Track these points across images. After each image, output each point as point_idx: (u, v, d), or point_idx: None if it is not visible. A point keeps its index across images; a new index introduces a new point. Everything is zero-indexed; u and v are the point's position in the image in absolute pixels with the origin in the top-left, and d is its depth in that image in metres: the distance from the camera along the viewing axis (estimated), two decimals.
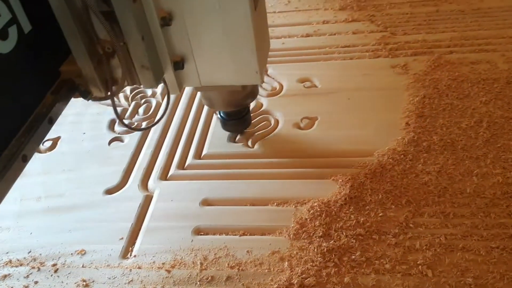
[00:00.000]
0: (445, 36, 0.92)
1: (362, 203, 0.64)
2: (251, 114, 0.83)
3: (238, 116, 0.76)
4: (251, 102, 0.75)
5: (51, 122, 0.53)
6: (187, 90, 0.92)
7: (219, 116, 0.77)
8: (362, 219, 0.62)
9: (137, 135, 0.84)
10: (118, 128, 0.86)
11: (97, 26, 0.53)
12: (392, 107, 0.79)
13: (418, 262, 0.56)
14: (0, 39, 0.47)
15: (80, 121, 0.89)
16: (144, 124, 0.86)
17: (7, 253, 0.67)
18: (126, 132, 0.85)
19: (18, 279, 0.63)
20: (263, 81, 0.59)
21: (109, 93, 0.57)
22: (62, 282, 0.62)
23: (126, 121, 0.87)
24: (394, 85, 0.84)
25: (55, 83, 0.55)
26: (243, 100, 0.72)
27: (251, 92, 0.72)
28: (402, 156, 0.70)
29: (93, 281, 0.61)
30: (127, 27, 0.52)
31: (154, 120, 0.87)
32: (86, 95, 0.56)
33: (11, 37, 0.48)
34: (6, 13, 0.47)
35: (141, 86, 0.58)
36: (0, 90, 0.48)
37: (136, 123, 0.86)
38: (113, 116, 0.89)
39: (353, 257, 0.58)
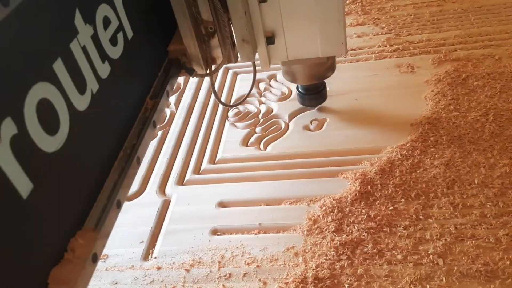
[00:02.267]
0: (449, 34, 0.94)
1: (372, 198, 0.66)
2: (263, 118, 0.86)
3: (316, 91, 0.82)
4: (331, 75, 0.79)
5: (168, 95, 0.59)
6: (200, 98, 0.95)
7: (297, 91, 0.83)
8: (373, 213, 0.64)
9: (153, 144, 0.87)
10: None
11: (202, 8, 0.59)
12: (399, 105, 0.81)
13: (429, 252, 0.58)
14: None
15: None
16: (160, 133, 0.89)
17: None
18: None
19: None
20: (347, 52, 0.66)
21: (208, 71, 0.63)
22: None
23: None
24: (400, 84, 0.86)
25: (163, 63, 0.60)
26: (324, 73, 0.77)
27: (331, 65, 0.77)
28: (410, 151, 0.71)
29: (116, 283, 0.64)
30: (233, 4, 0.59)
31: (169, 129, 0.90)
32: (191, 72, 0.62)
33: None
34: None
35: (237, 62, 0.64)
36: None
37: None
38: None
39: (365, 249, 0.60)
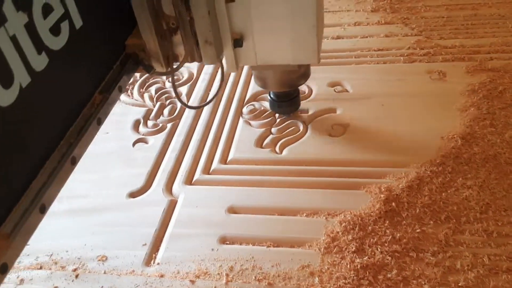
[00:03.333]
0: (485, 41, 0.88)
1: (398, 218, 0.61)
2: (280, 119, 0.81)
3: (288, 98, 0.78)
4: (303, 83, 0.76)
5: (121, 90, 0.54)
6: (213, 91, 0.90)
7: (269, 97, 0.79)
8: (398, 235, 0.59)
9: (161, 137, 0.82)
10: (142, 129, 0.84)
11: (164, 1, 0.53)
12: (428, 115, 0.75)
13: (459, 284, 0.53)
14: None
15: (105, 120, 0.87)
16: (169, 126, 0.84)
17: (28, 255, 0.66)
18: (150, 134, 0.83)
19: (38, 283, 0.62)
20: (319, 61, 0.61)
21: (169, 69, 0.58)
22: None
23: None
24: (430, 92, 0.80)
25: (120, 57, 0.55)
26: (296, 81, 0.73)
27: (305, 73, 0.73)
28: (440, 168, 0.66)
29: None
30: (196, 2, 0.53)
31: (179, 122, 0.85)
32: (149, 69, 0.57)
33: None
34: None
35: (201, 62, 0.59)
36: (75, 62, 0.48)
37: (161, 124, 0.84)
38: (138, 116, 0.87)
39: (389, 275, 0.55)
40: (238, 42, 0.59)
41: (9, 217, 0.39)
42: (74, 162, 0.47)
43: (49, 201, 0.43)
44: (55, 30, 0.44)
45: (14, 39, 0.39)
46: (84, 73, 0.50)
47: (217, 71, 0.95)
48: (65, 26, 0.46)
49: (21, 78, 0.40)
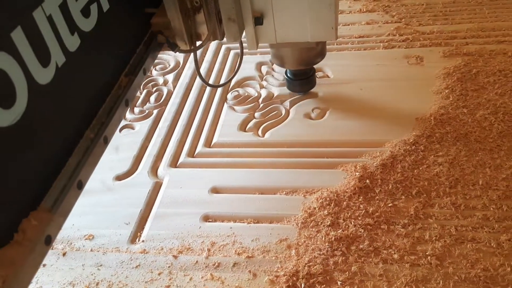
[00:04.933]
0: (462, 27, 0.91)
1: (371, 194, 0.63)
2: (263, 104, 0.84)
3: (305, 76, 0.80)
4: (320, 61, 0.77)
5: (145, 73, 0.56)
6: (198, 81, 0.92)
7: (285, 76, 0.81)
8: (371, 209, 0.61)
9: (148, 122, 0.84)
10: (129, 115, 0.87)
11: None
12: (405, 98, 0.78)
13: (427, 253, 0.56)
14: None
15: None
16: (155, 112, 0.86)
17: None
18: (137, 120, 0.85)
19: None
20: (337, 37, 0.64)
21: (192, 47, 0.61)
22: (71, 265, 0.63)
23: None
24: (407, 76, 0.83)
25: (144, 38, 0.57)
26: (314, 58, 0.75)
27: (321, 51, 0.75)
28: (414, 147, 0.68)
29: (101, 265, 0.62)
30: None
31: (165, 108, 0.87)
32: (174, 47, 0.60)
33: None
34: None
35: (223, 40, 0.61)
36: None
37: (147, 111, 0.87)
38: None
39: (361, 246, 0.58)
40: (258, 20, 0.62)
41: (49, 193, 0.41)
42: (106, 141, 0.49)
43: (85, 177, 0.45)
44: (85, 11, 0.46)
45: (50, 19, 0.41)
46: (112, 55, 0.52)
47: (202, 60, 0.97)
48: (94, 8, 0.48)
49: (57, 57, 0.42)
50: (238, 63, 0.75)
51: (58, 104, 0.43)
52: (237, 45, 0.87)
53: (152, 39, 0.59)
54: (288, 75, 0.81)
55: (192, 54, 0.68)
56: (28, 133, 0.38)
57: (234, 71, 0.93)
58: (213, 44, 1.00)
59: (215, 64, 0.96)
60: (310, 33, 0.63)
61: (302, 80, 0.80)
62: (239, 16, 0.60)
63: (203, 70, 0.94)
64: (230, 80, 0.86)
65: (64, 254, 0.64)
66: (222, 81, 0.91)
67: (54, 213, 0.41)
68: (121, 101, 0.51)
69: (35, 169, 0.40)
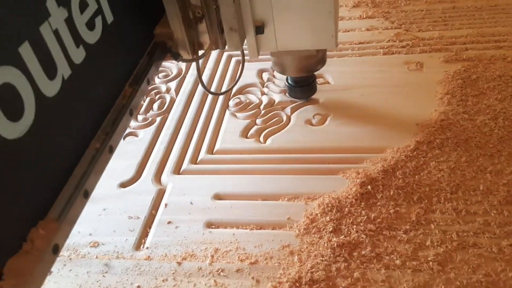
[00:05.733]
0: (461, 32, 0.91)
1: (373, 200, 0.64)
2: (265, 110, 0.84)
3: (306, 83, 0.81)
4: (321, 68, 0.78)
5: (149, 82, 0.57)
6: (200, 89, 0.93)
7: (287, 83, 0.82)
8: (373, 215, 0.62)
9: (151, 130, 0.85)
10: (132, 123, 0.88)
11: None
12: (405, 104, 0.79)
13: (428, 259, 0.56)
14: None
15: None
16: (158, 119, 0.87)
17: None
18: (140, 127, 0.86)
19: None
20: (337, 45, 0.65)
21: (195, 56, 0.62)
22: (76, 272, 0.63)
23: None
24: (408, 82, 0.83)
25: (148, 48, 0.59)
26: (314, 66, 0.77)
27: (322, 58, 0.76)
28: (414, 152, 0.69)
29: (106, 272, 0.63)
30: None
31: (168, 115, 0.88)
32: (177, 56, 0.61)
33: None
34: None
35: (225, 49, 0.62)
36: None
37: (150, 118, 0.88)
38: None
39: (363, 252, 0.58)
40: (259, 29, 0.63)
41: (56, 202, 0.42)
42: (111, 150, 0.50)
43: (91, 186, 0.46)
44: (90, 24, 0.47)
45: (56, 33, 0.42)
46: (116, 66, 0.53)
47: (204, 68, 0.98)
48: (98, 21, 0.49)
49: (63, 70, 0.43)
50: (239, 71, 0.76)
51: (64, 115, 0.43)
52: (239, 52, 0.88)
53: (156, 49, 0.60)
54: (289, 82, 0.82)
55: (196, 64, 0.69)
56: (35, 144, 0.39)
57: (235, 78, 0.94)
58: (214, 52, 1.01)
59: (216, 71, 0.96)
60: (310, 41, 0.64)
61: (303, 87, 0.81)
62: (240, 25, 0.61)
63: (205, 77, 0.95)
64: (231, 88, 0.87)
65: (70, 261, 0.65)
66: (223, 89, 0.92)
67: (61, 222, 0.41)
68: (126, 111, 0.52)
69: (42, 179, 0.40)
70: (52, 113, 0.41)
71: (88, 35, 0.47)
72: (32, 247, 0.38)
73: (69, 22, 0.44)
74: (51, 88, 0.41)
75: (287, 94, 0.85)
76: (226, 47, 0.63)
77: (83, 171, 0.45)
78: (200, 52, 0.63)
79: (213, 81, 0.94)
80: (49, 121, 0.41)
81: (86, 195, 0.45)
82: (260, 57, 0.77)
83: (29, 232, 0.39)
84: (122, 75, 0.54)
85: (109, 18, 0.51)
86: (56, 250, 0.40)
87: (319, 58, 0.76)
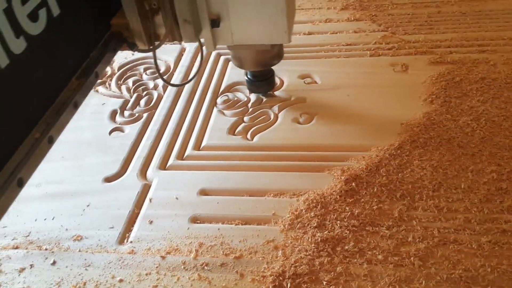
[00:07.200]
0: (446, 36, 0.93)
1: (357, 196, 0.65)
2: (252, 108, 0.85)
3: (264, 77, 0.83)
4: (277, 63, 0.80)
5: (97, 76, 0.58)
6: (188, 86, 0.93)
7: (246, 77, 0.84)
8: (356, 211, 0.63)
9: (137, 126, 0.85)
10: (119, 118, 0.87)
11: None
12: (390, 104, 0.80)
13: (410, 254, 0.57)
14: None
15: (83, 111, 0.90)
16: (145, 115, 0.87)
17: (5, 236, 0.68)
18: (127, 123, 0.86)
19: (14, 261, 0.64)
20: (290, 41, 0.67)
21: (151, 47, 0.63)
22: (58, 265, 0.63)
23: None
24: (393, 83, 0.85)
25: (101, 41, 0.59)
26: (271, 60, 0.78)
27: (278, 53, 0.78)
28: (398, 151, 0.70)
29: (89, 265, 0.62)
30: None
31: (155, 111, 0.88)
32: (133, 46, 0.62)
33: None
34: None
35: (181, 42, 0.64)
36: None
37: (137, 114, 0.87)
38: (115, 107, 0.90)
39: (347, 247, 0.59)
40: (215, 22, 0.64)
41: None
42: (51, 141, 0.50)
43: (27, 176, 0.46)
44: (33, 16, 0.47)
45: None
46: (63, 58, 0.53)
47: (193, 64, 0.98)
48: (42, 13, 0.49)
49: (0, 59, 0.43)
50: (200, 62, 0.77)
51: (2, 105, 0.43)
52: (225, 50, 0.88)
53: (108, 43, 0.60)
54: (248, 76, 0.84)
55: (153, 54, 0.68)
56: None
57: (223, 76, 0.94)
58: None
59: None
60: (264, 36, 0.66)
61: (262, 81, 0.83)
62: (195, 18, 0.62)
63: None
64: (192, 79, 0.87)
65: (52, 254, 0.64)
66: (211, 86, 0.92)
67: None
68: (70, 103, 0.53)
69: None
70: None
71: (30, 26, 0.47)
72: None
73: (8, 12, 0.44)
74: None
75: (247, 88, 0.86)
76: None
77: (19, 160, 0.45)
78: (157, 43, 0.63)
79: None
80: None
81: (21, 183, 0.45)
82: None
83: None
84: (69, 67, 0.54)
85: (55, 10, 0.51)
86: None
87: (275, 53, 0.77)
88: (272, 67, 0.82)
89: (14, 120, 0.45)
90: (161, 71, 0.98)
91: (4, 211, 0.44)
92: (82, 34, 0.56)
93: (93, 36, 0.59)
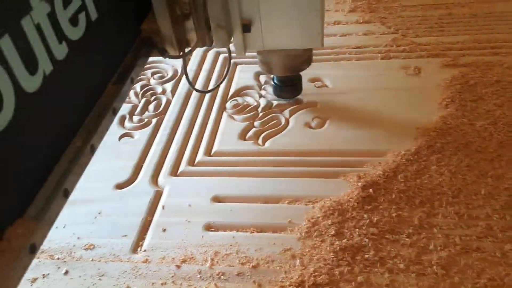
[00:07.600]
0: (458, 38, 0.92)
1: (375, 203, 0.64)
2: (263, 113, 0.84)
3: (292, 83, 0.81)
4: (307, 68, 0.78)
5: (133, 82, 0.57)
6: (197, 87, 0.92)
7: (272, 83, 0.82)
8: (375, 219, 0.61)
9: (147, 131, 0.84)
10: (128, 124, 0.86)
11: None
12: (405, 108, 0.79)
13: (432, 263, 0.56)
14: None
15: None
16: (154, 121, 0.86)
17: None
18: (136, 128, 0.85)
19: (27, 271, 0.63)
20: (323, 44, 0.65)
21: (181, 53, 0.62)
22: (71, 275, 0.61)
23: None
24: (406, 86, 0.84)
25: (133, 46, 0.58)
26: (300, 65, 0.77)
27: (308, 58, 0.76)
28: (415, 156, 0.69)
29: (102, 275, 0.61)
30: None
31: (164, 116, 0.86)
32: (163, 53, 0.61)
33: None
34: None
35: (212, 46, 0.63)
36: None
37: (146, 119, 0.86)
38: (124, 112, 0.88)
39: (367, 256, 0.57)
40: (247, 27, 0.63)
41: (35, 201, 0.40)
42: (93, 149, 0.48)
43: (71, 186, 0.45)
44: (74, 20, 0.46)
45: (38, 28, 0.41)
46: (100, 63, 0.52)
47: (201, 68, 0.97)
48: (82, 17, 0.48)
49: (45, 66, 0.42)
50: (226, 68, 0.76)
51: (45, 112, 0.42)
52: (233, 54, 0.87)
53: (140, 48, 0.59)
54: (275, 81, 0.82)
55: (183, 60, 0.69)
56: (14, 141, 0.38)
57: (231, 80, 0.93)
58: (211, 53, 1.00)
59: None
60: (297, 40, 0.64)
61: (289, 86, 0.81)
62: (227, 23, 0.61)
63: (202, 78, 0.94)
64: (218, 86, 0.86)
65: (64, 264, 0.63)
66: (220, 90, 0.91)
67: (40, 221, 0.40)
68: (109, 109, 0.51)
69: (21, 177, 0.39)
70: (32, 109, 0.40)
71: (72, 31, 0.46)
72: (8, 245, 0.36)
73: (52, 17, 0.43)
74: (31, 84, 0.40)
75: (273, 93, 0.85)
76: (213, 44, 0.63)
77: (63, 170, 0.44)
78: (187, 49, 0.62)
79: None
80: (29, 117, 0.40)
81: (66, 194, 0.44)
82: (256, 59, 0.77)
83: (6, 230, 0.37)
84: (105, 73, 0.53)
85: (94, 15, 0.50)
86: (33, 249, 0.39)
87: (305, 58, 0.76)
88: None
89: (55, 128, 0.44)
90: (168, 76, 0.97)
91: (52, 223, 0.42)
92: (117, 38, 0.55)
93: (128, 39, 0.58)
